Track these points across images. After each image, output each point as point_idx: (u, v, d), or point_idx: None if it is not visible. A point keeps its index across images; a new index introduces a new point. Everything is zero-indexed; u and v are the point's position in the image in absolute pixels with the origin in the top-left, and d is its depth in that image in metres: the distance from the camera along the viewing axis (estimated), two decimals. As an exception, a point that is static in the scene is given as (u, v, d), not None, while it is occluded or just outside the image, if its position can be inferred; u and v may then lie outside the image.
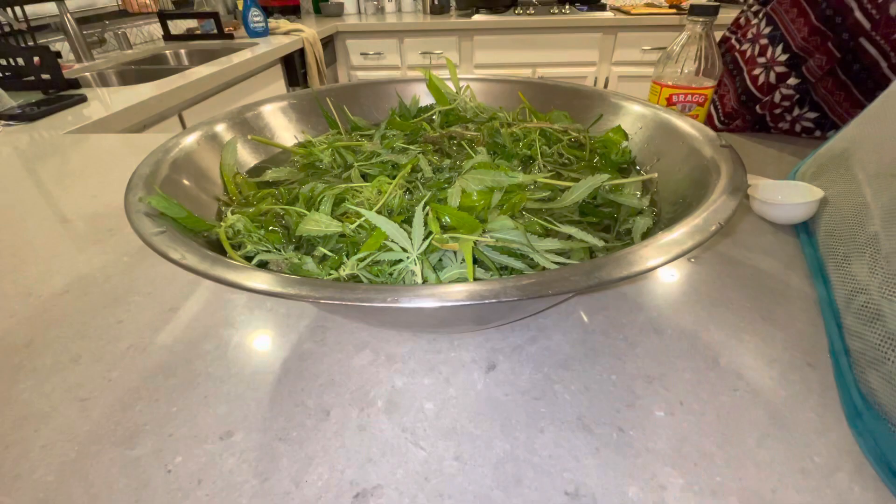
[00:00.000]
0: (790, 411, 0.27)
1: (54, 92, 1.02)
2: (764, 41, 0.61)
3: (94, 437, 0.27)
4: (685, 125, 0.33)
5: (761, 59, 0.61)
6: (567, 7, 2.17)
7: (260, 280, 0.19)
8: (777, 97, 0.61)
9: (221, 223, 0.27)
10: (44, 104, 0.92)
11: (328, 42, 2.08)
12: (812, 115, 0.60)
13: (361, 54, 2.17)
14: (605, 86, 2.15)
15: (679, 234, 0.21)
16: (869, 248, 0.32)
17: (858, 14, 0.52)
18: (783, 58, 0.59)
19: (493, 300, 0.17)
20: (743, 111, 0.66)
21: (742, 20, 0.68)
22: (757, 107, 0.64)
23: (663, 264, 0.20)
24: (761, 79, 0.62)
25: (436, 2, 2.21)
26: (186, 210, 0.26)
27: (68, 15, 1.34)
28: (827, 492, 0.23)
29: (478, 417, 0.28)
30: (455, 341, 0.33)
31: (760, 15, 0.64)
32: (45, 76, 1.03)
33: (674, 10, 2.02)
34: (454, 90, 0.47)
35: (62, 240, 0.47)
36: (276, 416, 0.28)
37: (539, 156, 0.36)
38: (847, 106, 0.57)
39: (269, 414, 0.28)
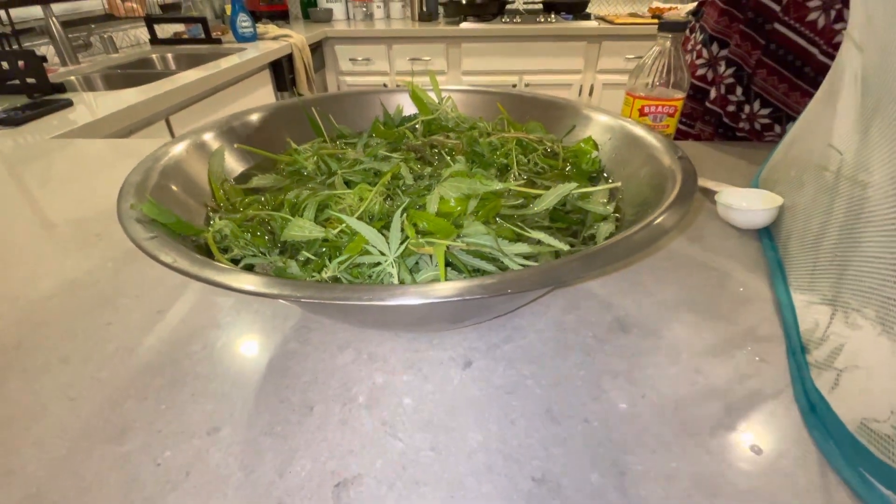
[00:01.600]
0: (744, 403, 0.29)
1: (39, 96, 1.02)
2: (692, 31, 0.68)
3: (84, 433, 0.28)
4: (648, 136, 0.35)
5: (688, 46, 0.68)
6: (553, 16, 2.22)
7: (245, 281, 0.20)
8: (723, 90, 0.65)
9: (209, 228, 0.29)
10: (29, 108, 0.91)
11: (317, 48, 2.09)
12: (765, 111, 0.63)
13: (350, 60, 2.19)
14: (591, 93, 2.19)
15: (637, 237, 0.23)
16: (823, 252, 0.35)
17: None
18: (705, 46, 0.65)
19: (458, 298, 0.19)
20: (698, 108, 0.70)
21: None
22: (707, 102, 0.68)
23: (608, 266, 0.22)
24: (699, 70, 0.66)
25: (424, 9, 2.24)
26: (176, 216, 0.27)
27: (53, 18, 1.33)
28: (773, 477, 0.25)
29: (453, 411, 0.29)
30: (434, 340, 0.35)
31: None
32: (31, 80, 1.03)
33: (656, 20, 2.08)
34: (437, 101, 0.49)
35: (49, 244, 0.47)
36: (262, 412, 0.29)
37: (515, 164, 0.38)
38: (797, 97, 0.60)
39: (254, 410, 0.29)
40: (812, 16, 0.55)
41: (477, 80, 2.17)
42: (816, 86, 0.57)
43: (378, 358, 0.33)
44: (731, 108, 0.66)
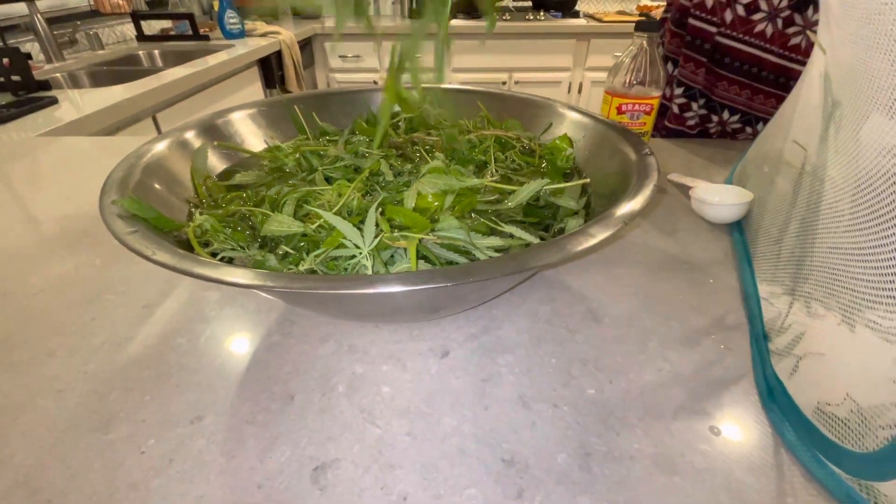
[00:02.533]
0: (706, 388, 0.31)
1: (24, 93, 1.01)
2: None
3: (70, 424, 0.29)
4: (617, 133, 0.37)
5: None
6: (542, 14, 2.23)
7: (224, 273, 0.21)
8: (676, 108, 0.68)
9: (190, 223, 0.30)
10: (14, 106, 0.91)
11: (306, 44, 2.09)
12: (734, 117, 0.66)
13: (340, 57, 2.18)
14: (580, 91, 2.21)
15: (593, 230, 0.24)
16: (785, 244, 0.36)
17: None
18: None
19: (423, 286, 0.20)
20: (660, 121, 0.72)
21: None
22: (665, 121, 0.71)
23: (570, 257, 0.23)
24: None
25: (414, 6, 2.24)
26: (157, 211, 0.28)
27: (38, 15, 1.32)
28: (730, 456, 0.27)
29: (430, 398, 0.31)
30: (413, 332, 0.36)
31: None
32: (15, 77, 1.02)
33: (644, 18, 2.10)
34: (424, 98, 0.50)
35: (35, 241, 0.48)
36: (244, 401, 0.30)
37: (492, 161, 0.39)
38: (761, 99, 0.62)
39: (237, 400, 0.30)
40: (759, 27, 0.57)
41: (467, 77, 2.18)
42: (778, 86, 0.60)
43: (358, 349, 0.34)
44: (690, 123, 0.69)
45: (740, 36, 0.58)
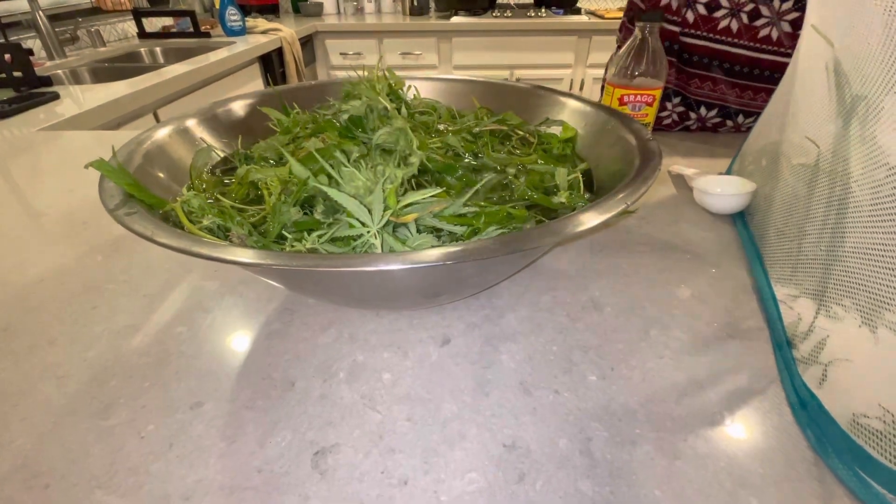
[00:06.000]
0: (707, 374, 0.31)
1: (26, 89, 1.02)
2: None
3: (70, 409, 0.29)
4: (618, 120, 0.36)
5: None
6: (543, 10, 2.22)
7: (218, 252, 0.21)
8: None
9: (177, 199, 0.29)
10: (15, 102, 0.91)
11: (307, 42, 2.09)
12: (712, 112, 0.66)
13: (341, 54, 2.18)
14: (581, 88, 2.20)
15: (590, 214, 0.24)
16: (805, 246, 0.34)
17: None
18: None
19: (423, 265, 0.20)
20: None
21: None
22: None
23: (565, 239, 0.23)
24: None
25: (415, 3, 2.24)
26: (133, 178, 0.28)
27: (40, 12, 1.32)
28: (732, 440, 0.27)
29: (430, 384, 0.30)
30: (414, 321, 0.36)
31: None
32: (17, 73, 1.02)
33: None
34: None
35: (37, 233, 0.48)
36: (244, 387, 0.30)
37: (489, 153, 0.39)
38: (737, 92, 0.62)
39: (237, 386, 0.30)
40: (723, 24, 0.57)
41: (468, 74, 2.17)
42: (752, 78, 0.60)
43: (359, 338, 0.34)
44: (666, 122, 0.69)
45: (705, 34, 0.58)
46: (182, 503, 0.24)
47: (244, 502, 0.24)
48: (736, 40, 0.57)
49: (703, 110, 0.66)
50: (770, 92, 0.59)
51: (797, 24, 0.55)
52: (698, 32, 0.59)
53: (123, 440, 0.27)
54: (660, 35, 0.53)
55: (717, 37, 0.58)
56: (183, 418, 0.28)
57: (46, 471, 0.25)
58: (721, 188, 0.48)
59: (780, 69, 0.56)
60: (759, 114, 0.62)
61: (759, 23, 0.55)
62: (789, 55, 0.52)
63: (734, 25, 0.56)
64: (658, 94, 0.54)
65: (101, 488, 0.25)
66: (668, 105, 0.67)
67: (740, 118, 0.65)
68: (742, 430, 0.27)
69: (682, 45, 0.61)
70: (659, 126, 0.70)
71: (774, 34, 0.55)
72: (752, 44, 0.57)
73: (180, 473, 0.25)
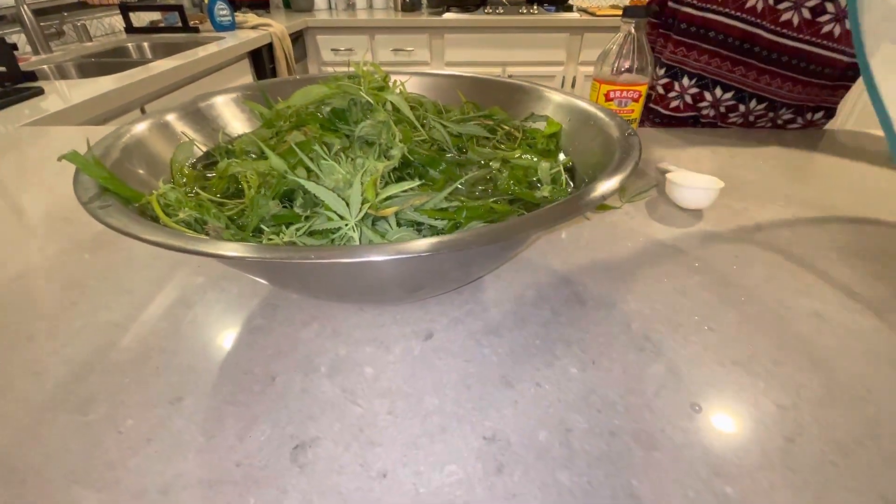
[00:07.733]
0: (686, 366, 0.31)
1: (10, 84, 1.00)
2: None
3: (48, 405, 0.29)
4: (601, 114, 0.37)
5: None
6: (535, 7, 2.22)
7: (195, 244, 0.21)
8: (660, 89, 0.68)
9: (154, 192, 0.29)
10: (-2, 96, 0.90)
11: (298, 37, 2.07)
12: (728, 94, 0.66)
13: (332, 50, 2.17)
14: (573, 85, 2.21)
15: (566, 206, 0.24)
16: None
17: None
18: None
19: (400, 256, 0.20)
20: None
21: None
22: (650, 103, 0.71)
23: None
24: None
25: (407, -1, 2.23)
26: (109, 172, 0.28)
27: (25, 6, 1.30)
28: (710, 432, 0.27)
29: (412, 378, 0.30)
30: (397, 316, 0.36)
31: None
32: (1, 68, 1.00)
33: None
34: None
35: (17, 229, 0.47)
36: (225, 382, 0.30)
37: (475, 148, 0.39)
38: (754, 75, 0.63)
39: (217, 381, 0.30)
40: (750, 3, 0.57)
41: (455, 70, 2.17)
42: (770, 62, 0.60)
43: (342, 332, 0.34)
44: (675, 104, 0.69)
45: (730, 11, 0.59)
46: (159, 497, 0.24)
47: (223, 496, 0.24)
48: (758, 20, 0.58)
49: (718, 91, 0.66)
50: (788, 79, 0.60)
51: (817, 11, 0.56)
52: (724, 9, 0.60)
53: (101, 436, 0.27)
54: (665, 13, 0.54)
55: (742, 15, 0.59)
56: (162, 413, 0.28)
57: (23, 466, 0.25)
58: (690, 182, 0.48)
59: (800, 56, 0.57)
60: (770, 100, 0.63)
61: (782, 6, 0.56)
62: (815, 44, 0.53)
63: (760, 5, 0.57)
64: (644, 90, 0.55)
65: (78, 483, 0.24)
66: (677, 85, 0.67)
67: (753, 103, 0.66)
68: (719, 422, 0.28)
69: (704, 20, 0.61)
70: (667, 108, 0.70)
71: (795, 20, 0.56)
72: (771, 26, 0.58)
73: (158, 468, 0.25)
